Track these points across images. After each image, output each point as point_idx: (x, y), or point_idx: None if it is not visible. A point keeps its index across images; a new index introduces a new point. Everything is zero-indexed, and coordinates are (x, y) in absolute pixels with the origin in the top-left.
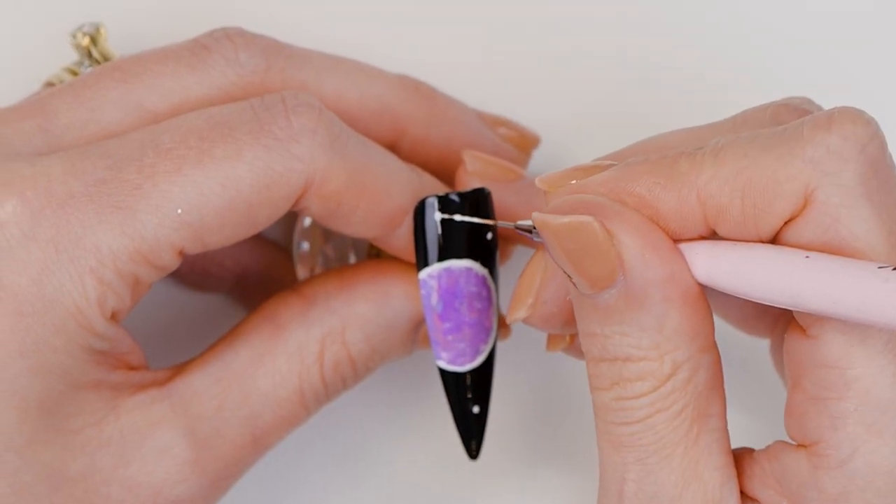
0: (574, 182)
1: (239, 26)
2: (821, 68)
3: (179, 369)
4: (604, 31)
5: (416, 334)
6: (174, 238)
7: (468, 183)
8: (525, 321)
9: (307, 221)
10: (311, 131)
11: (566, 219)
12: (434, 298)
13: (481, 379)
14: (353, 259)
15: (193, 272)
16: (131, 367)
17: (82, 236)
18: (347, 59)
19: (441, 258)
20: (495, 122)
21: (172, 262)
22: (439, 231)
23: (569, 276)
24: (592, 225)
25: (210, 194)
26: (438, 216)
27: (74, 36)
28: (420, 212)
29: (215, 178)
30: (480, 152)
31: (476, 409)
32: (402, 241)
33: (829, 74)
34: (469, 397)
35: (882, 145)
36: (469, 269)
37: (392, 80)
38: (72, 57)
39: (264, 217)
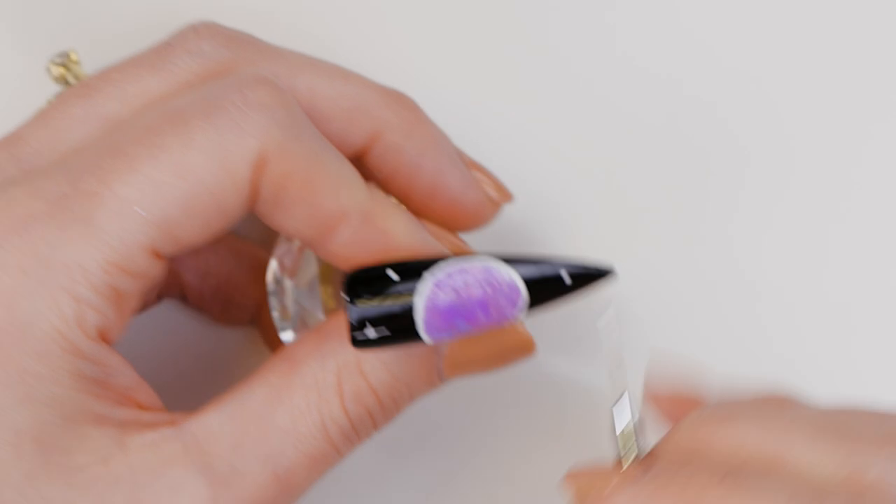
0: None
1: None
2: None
3: (194, 411)
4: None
5: (436, 358)
6: (141, 239)
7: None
8: None
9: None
10: (266, 106)
11: None
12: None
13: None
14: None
15: (217, 300)
16: (141, 406)
17: (48, 255)
18: (328, 61)
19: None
20: (472, 165)
21: (151, 267)
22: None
23: None
24: None
25: (167, 187)
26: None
27: (49, 69)
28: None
29: (170, 169)
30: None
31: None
32: (339, 248)
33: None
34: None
35: None
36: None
37: (372, 84)
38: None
39: (234, 203)
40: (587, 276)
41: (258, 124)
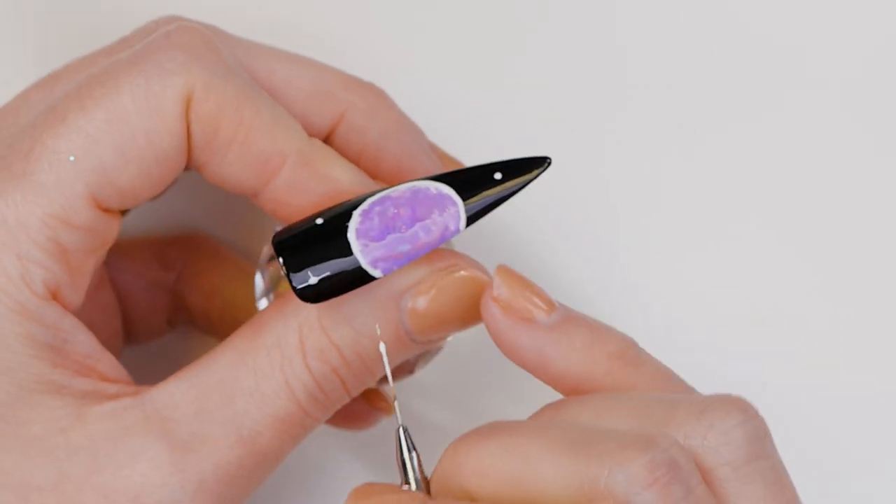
0: None
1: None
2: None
3: (157, 383)
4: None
5: (399, 311)
6: (78, 188)
7: (490, 310)
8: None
9: (265, 255)
10: (189, 47)
11: None
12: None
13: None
14: None
15: (225, 320)
16: (104, 378)
17: None
18: (295, 52)
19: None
20: (444, 157)
21: (95, 220)
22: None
23: None
24: None
25: (98, 133)
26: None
27: None
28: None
29: (99, 116)
30: (514, 272)
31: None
32: (279, 194)
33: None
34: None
35: None
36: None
37: (337, 71)
38: None
39: (168, 144)
40: (518, 167)
41: (182, 63)
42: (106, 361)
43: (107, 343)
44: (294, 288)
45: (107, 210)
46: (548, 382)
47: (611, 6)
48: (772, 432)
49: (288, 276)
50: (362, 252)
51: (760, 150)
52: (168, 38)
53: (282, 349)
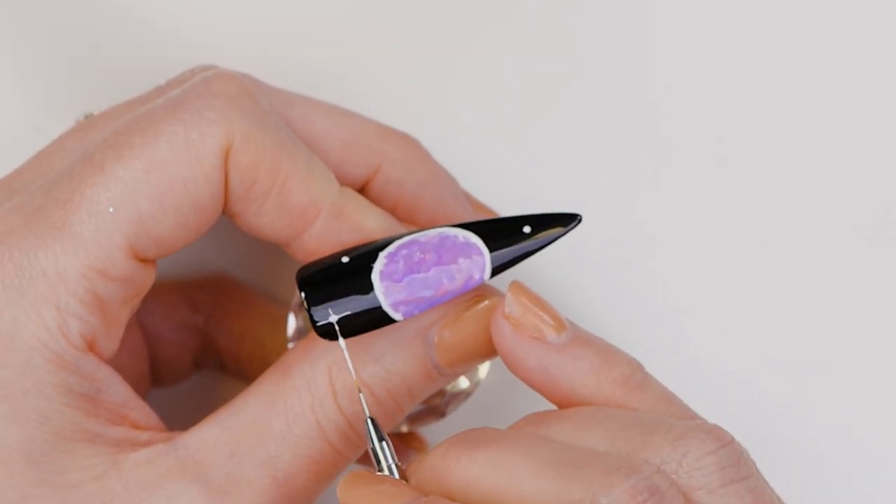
0: None
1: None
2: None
3: (189, 428)
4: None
5: (426, 346)
6: (116, 239)
7: (500, 326)
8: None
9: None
10: (227, 95)
11: None
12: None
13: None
14: None
15: (254, 363)
16: (136, 426)
17: (26, 266)
18: (329, 102)
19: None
20: (478, 206)
21: (132, 270)
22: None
23: None
24: None
25: (136, 183)
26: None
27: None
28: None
29: (137, 166)
30: (527, 289)
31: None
32: (313, 244)
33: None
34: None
35: None
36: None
37: (372, 121)
38: None
39: (206, 193)
40: (548, 221)
41: (221, 111)
42: (139, 409)
43: (134, 385)
44: (313, 323)
45: (143, 259)
46: (552, 401)
47: (644, 63)
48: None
49: (308, 310)
50: (385, 294)
51: (799, 199)
52: (207, 85)
53: (312, 390)
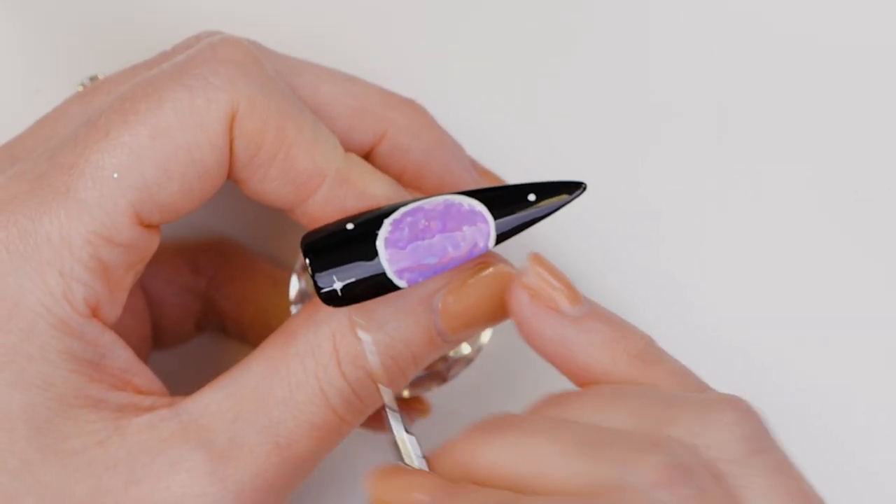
0: None
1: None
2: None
3: (191, 393)
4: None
5: (430, 313)
6: (121, 205)
7: (518, 295)
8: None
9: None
10: (233, 62)
11: None
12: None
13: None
14: None
15: (256, 326)
16: (139, 391)
17: (30, 231)
18: (336, 69)
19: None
20: (484, 173)
21: (136, 236)
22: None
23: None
24: None
25: (141, 149)
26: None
27: (78, 91)
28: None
29: (142, 132)
30: (545, 261)
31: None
32: (317, 210)
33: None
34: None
35: None
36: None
37: (379, 88)
38: None
39: (211, 160)
40: (552, 189)
41: (227, 78)
42: (142, 374)
43: (136, 348)
44: (318, 289)
45: (147, 225)
46: (567, 374)
47: (645, 31)
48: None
49: (313, 277)
50: (389, 261)
51: (804, 168)
52: (213, 50)
53: (315, 356)
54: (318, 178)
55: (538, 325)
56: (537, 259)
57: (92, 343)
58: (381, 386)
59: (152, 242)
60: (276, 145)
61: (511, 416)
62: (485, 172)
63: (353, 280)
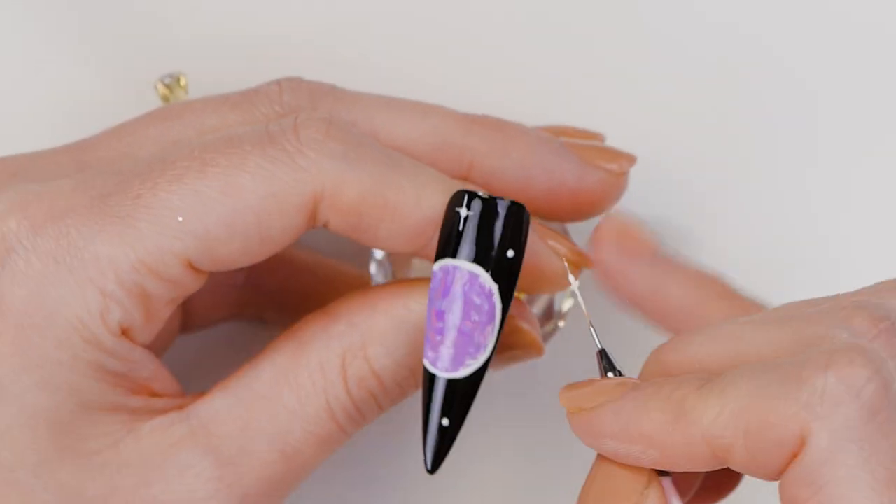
0: (592, 409)
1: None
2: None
3: (201, 394)
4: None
5: None
6: (177, 247)
7: (599, 246)
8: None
9: (378, 254)
10: (319, 142)
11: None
12: (437, 293)
13: (458, 392)
14: None
15: (298, 317)
16: (154, 394)
17: (82, 247)
18: (405, 99)
19: (452, 255)
20: (581, 134)
21: (183, 277)
22: (460, 227)
23: None
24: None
25: (211, 202)
26: (463, 212)
27: (156, 86)
28: (452, 202)
29: (216, 186)
30: (621, 215)
31: (445, 422)
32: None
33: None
34: (440, 407)
35: (882, 386)
36: (474, 275)
37: (450, 112)
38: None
39: (277, 230)
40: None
41: (311, 160)
42: (162, 380)
43: (162, 341)
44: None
45: (197, 270)
46: (653, 317)
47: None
48: None
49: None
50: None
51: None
52: (297, 131)
53: (325, 373)
54: (431, 228)
55: (625, 270)
56: (611, 215)
57: (121, 359)
58: (591, 328)
59: (198, 283)
60: (379, 211)
61: (692, 330)
62: (582, 133)
63: None
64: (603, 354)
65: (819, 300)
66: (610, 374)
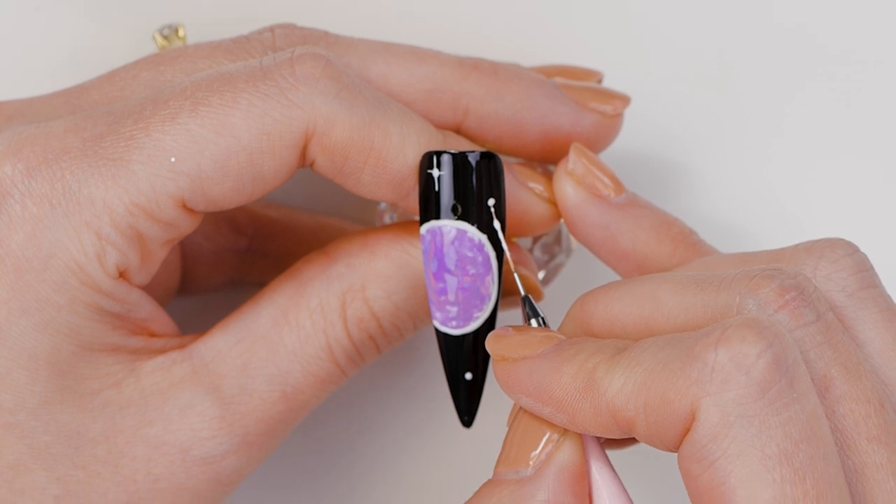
0: (512, 361)
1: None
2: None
3: (202, 333)
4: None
5: None
6: (170, 188)
7: (562, 183)
8: None
9: (383, 205)
10: (313, 78)
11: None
12: (429, 256)
13: (475, 346)
14: None
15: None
16: (153, 334)
17: (76, 190)
18: (400, 43)
19: (435, 216)
20: (577, 73)
21: (178, 217)
22: (436, 188)
23: None
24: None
25: (204, 141)
26: (436, 172)
27: (154, 37)
28: (423, 165)
29: (209, 125)
30: (588, 151)
31: (468, 376)
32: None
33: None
34: (461, 362)
35: (773, 362)
36: (461, 231)
37: (446, 58)
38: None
39: (269, 169)
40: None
41: (304, 96)
42: (159, 320)
43: (161, 297)
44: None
45: (191, 210)
46: (610, 261)
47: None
48: None
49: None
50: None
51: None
52: (292, 66)
53: (325, 313)
54: (413, 176)
55: (584, 212)
56: (579, 149)
57: (119, 300)
58: (507, 252)
59: (193, 224)
60: (364, 154)
61: (620, 280)
62: (573, 72)
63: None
64: (526, 300)
65: (745, 256)
66: (532, 322)
